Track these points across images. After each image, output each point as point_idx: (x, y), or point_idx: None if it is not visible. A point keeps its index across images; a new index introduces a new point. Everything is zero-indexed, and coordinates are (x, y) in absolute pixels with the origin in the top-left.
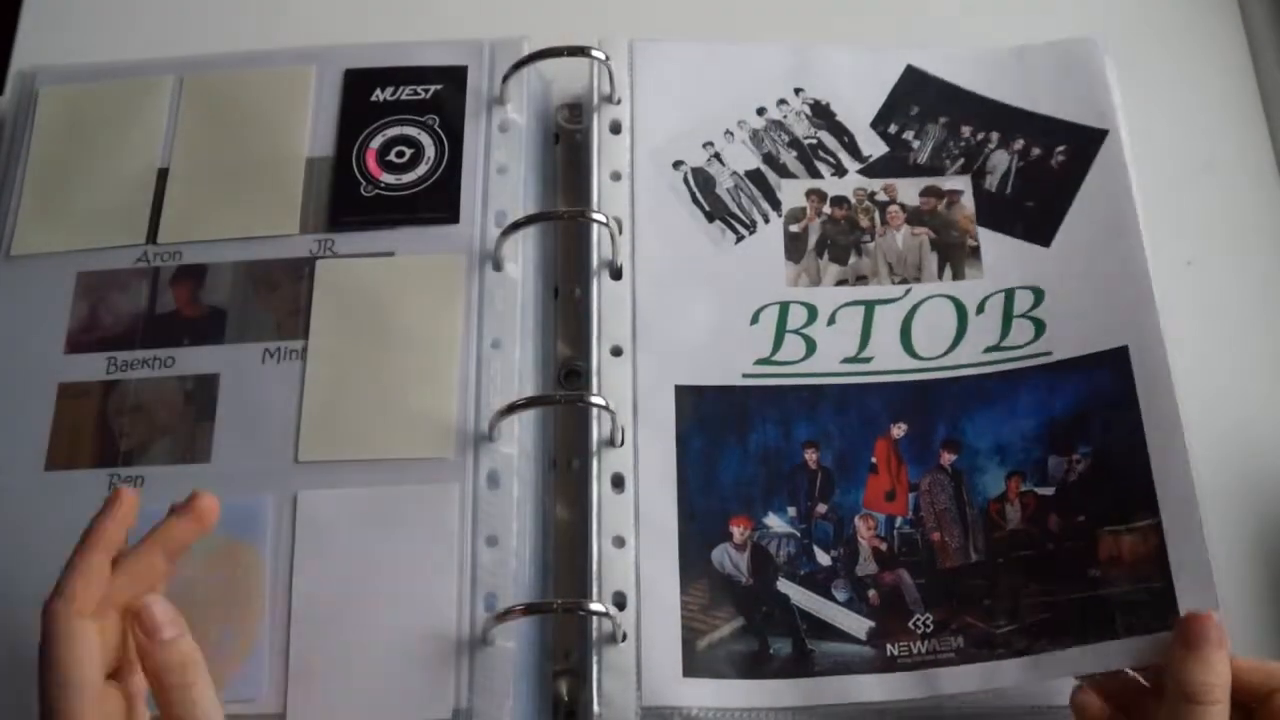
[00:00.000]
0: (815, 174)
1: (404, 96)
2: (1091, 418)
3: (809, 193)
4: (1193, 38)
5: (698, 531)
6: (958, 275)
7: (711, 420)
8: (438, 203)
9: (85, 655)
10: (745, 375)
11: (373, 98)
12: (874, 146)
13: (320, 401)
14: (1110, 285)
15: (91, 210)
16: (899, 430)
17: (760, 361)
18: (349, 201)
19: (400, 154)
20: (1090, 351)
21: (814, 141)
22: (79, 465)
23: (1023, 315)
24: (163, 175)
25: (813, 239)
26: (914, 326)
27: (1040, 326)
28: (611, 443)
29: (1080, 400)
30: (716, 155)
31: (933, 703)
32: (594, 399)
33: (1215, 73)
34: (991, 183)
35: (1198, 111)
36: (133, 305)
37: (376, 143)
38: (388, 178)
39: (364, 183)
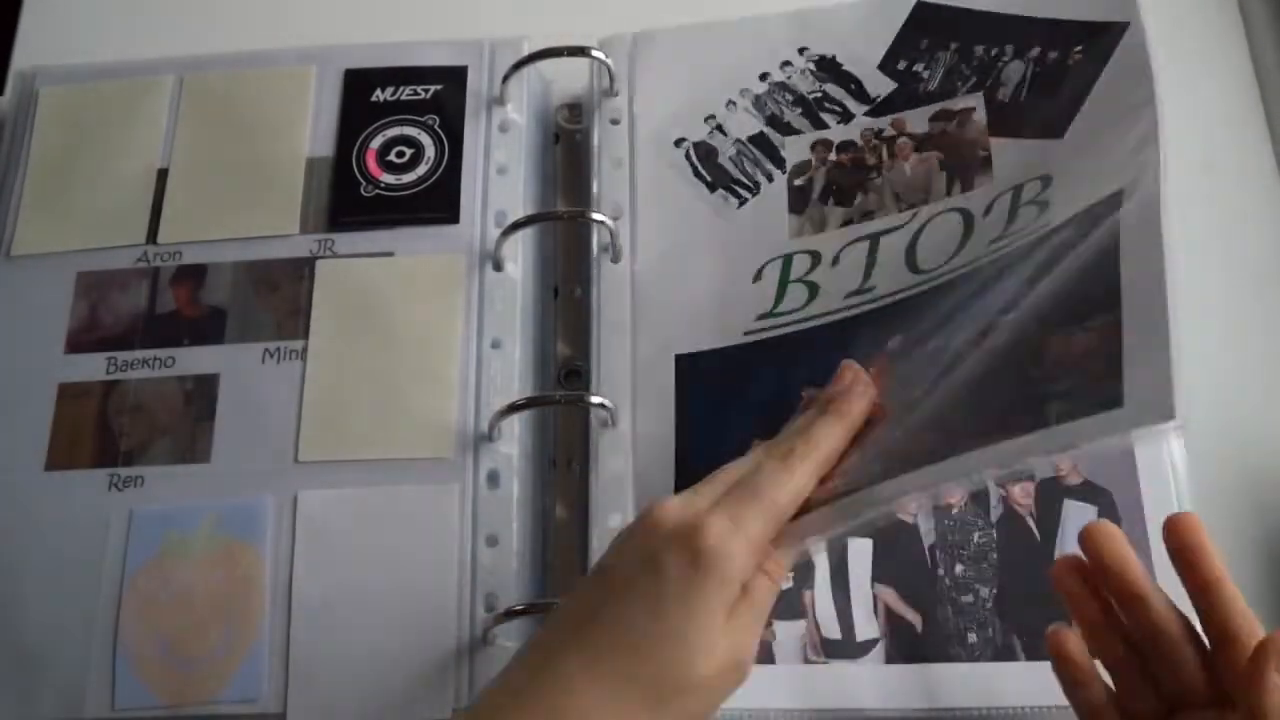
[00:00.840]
0: (821, 125)
1: (404, 97)
2: (1066, 253)
3: (814, 144)
4: (1192, 38)
5: None
6: (967, 188)
7: (712, 384)
8: (438, 203)
9: None
10: (747, 333)
11: (373, 98)
12: (882, 87)
13: (320, 401)
14: (1119, 145)
15: (91, 210)
16: (894, 343)
17: (762, 317)
18: (349, 201)
19: (400, 154)
20: (1084, 206)
21: (819, 94)
22: (79, 465)
23: (1030, 202)
24: (163, 175)
25: (818, 188)
26: (919, 246)
27: (1045, 206)
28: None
29: (1062, 247)
30: (719, 127)
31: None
32: (594, 399)
33: (1215, 73)
34: (1005, 94)
35: (1197, 111)
36: (133, 305)
37: (376, 143)
38: (388, 178)
39: (364, 183)
